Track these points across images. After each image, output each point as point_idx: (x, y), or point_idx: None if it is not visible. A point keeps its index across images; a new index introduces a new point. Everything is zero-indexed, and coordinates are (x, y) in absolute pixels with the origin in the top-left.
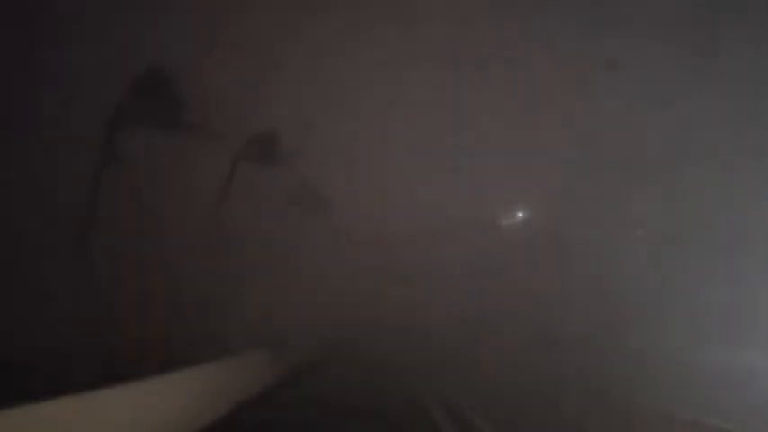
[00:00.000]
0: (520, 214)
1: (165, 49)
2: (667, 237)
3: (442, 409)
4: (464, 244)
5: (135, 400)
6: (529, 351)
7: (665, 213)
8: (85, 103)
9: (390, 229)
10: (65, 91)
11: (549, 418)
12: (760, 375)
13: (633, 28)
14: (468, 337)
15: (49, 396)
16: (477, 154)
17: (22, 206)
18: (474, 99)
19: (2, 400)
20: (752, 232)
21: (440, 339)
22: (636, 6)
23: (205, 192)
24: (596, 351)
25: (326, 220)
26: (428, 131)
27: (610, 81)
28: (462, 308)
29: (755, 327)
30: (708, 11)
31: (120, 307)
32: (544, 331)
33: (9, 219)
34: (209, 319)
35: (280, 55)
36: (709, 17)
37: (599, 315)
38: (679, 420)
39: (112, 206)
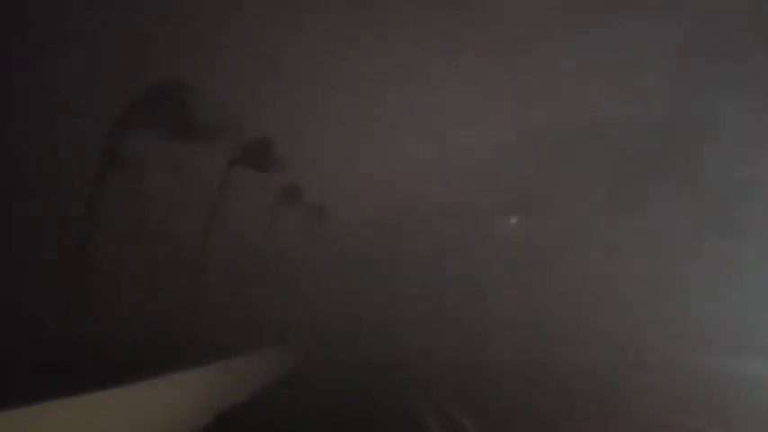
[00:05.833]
0: (513, 219)
1: (169, 56)
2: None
3: (431, 410)
4: (459, 246)
5: (133, 400)
6: (524, 352)
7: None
8: (88, 108)
9: (385, 234)
10: (68, 96)
11: (542, 422)
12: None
13: None
14: (459, 339)
15: (50, 395)
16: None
17: (24, 210)
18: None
19: (2, 399)
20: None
21: (431, 341)
22: None
23: (205, 196)
24: (593, 354)
25: (321, 225)
26: (427, 136)
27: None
28: (456, 309)
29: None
30: None
31: (118, 308)
32: (539, 332)
33: (11, 222)
34: (206, 321)
35: (278, 60)
36: None
37: (595, 317)
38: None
39: (114, 210)
